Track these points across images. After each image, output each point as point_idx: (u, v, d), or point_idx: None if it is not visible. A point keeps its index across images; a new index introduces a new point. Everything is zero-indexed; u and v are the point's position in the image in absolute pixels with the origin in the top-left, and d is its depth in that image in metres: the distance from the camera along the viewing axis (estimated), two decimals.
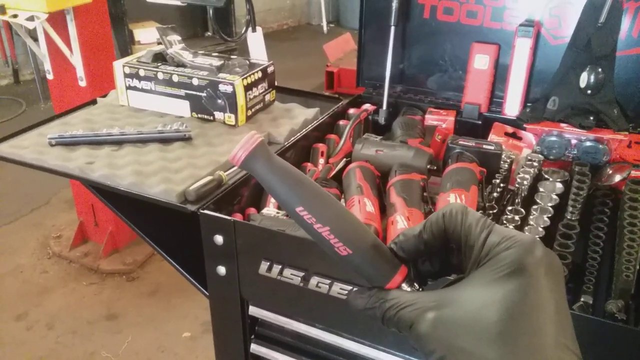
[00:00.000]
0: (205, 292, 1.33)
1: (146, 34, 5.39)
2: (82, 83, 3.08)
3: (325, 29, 7.31)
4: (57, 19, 2.87)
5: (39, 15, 2.69)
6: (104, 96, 1.81)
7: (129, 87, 1.69)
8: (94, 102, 1.78)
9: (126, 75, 1.67)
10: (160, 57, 1.69)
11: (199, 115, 1.64)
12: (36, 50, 3.15)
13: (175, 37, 1.70)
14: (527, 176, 1.41)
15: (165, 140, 1.51)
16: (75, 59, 3.01)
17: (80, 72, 3.05)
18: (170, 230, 1.43)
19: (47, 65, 3.17)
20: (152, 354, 2.80)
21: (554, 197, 1.33)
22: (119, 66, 1.67)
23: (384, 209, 1.31)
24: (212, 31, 6.14)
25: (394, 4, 1.63)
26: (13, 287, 3.26)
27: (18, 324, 2.97)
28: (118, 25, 4.94)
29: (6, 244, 3.62)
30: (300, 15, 7.57)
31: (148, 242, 1.38)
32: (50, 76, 3.20)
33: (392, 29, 1.68)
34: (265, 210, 1.29)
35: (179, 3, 1.64)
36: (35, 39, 3.10)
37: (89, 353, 2.80)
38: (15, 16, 2.71)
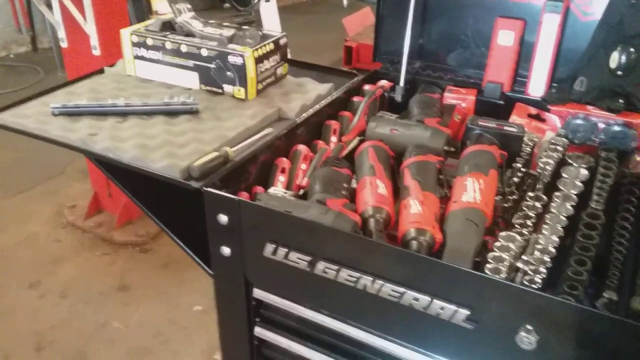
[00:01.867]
0: (210, 271, 1.29)
1: (164, 4, 5.30)
2: (96, 52, 3.03)
3: (345, 2, 7.16)
4: None
5: None
6: (112, 65, 1.75)
7: (136, 57, 1.63)
8: (101, 71, 1.73)
9: (134, 44, 1.61)
10: (169, 26, 1.63)
11: (208, 88, 1.58)
12: (50, 18, 3.10)
13: (184, 5, 1.63)
14: (550, 161, 1.33)
15: (171, 113, 1.45)
16: (89, 27, 2.96)
17: (94, 40, 3.00)
18: (177, 206, 1.38)
19: (62, 34, 3.13)
20: (162, 326, 2.79)
21: (578, 184, 1.26)
22: (127, 35, 1.61)
23: (398, 192, 1.25)
24: (228, 2, 6.02)
25: None
26: (27, 255, 3.27)
27: (31, 292, 2.99)
28: None
29: (22, 212, 3.63)
30: None
31: (151, 217, 1.34)
32: (64, 44, 3.16)
33: (412, 0, 1.59)
34: (272, 190, 1.23)
35: None
36: (50, 7, 3.05)
37: (101, 323, 2.80)
38: None
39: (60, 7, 2.97)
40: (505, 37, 1.54)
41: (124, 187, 1.37)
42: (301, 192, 1.29)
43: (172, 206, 1.38)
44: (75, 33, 3.03)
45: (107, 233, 3.42)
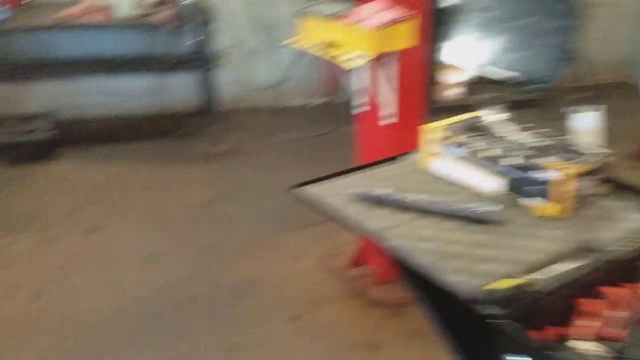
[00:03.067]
0: None
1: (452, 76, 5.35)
2: (387, 121, 3.15)
3: None
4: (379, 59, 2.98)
5: (364, 57, 2.84)
6: (404, 155, 1.80)
7: (439, 154, 1.63)
8: (392, 158, 1.79)
9: (439, 141, 1.61)
10: (476, 128, 1.60)
11: (514, 198, 1.48)
12: (352, 85, 3.35)
13: (496, 107, 1.59)
14: None
15: (471, 220, 1.40)
16: (389, 97, 3.11)
17: (391, 108, 3.14)
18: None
19: (361, 100, 3.36)
20: None
21: None
22: (433, 130, 1.63)
23: None
24: None
25: None
26: (290, 291, 3.52)
27: (288, 326, 3.18)
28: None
29: (294, 249, 3.93)
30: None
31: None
32: (361, 109, 3.37)
33: None
34: (578, 343, 1.07)
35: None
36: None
37: None
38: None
39: (366, 76, 3.18)
40: None
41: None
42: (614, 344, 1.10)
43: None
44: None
45: (364, 287, 3.50)
